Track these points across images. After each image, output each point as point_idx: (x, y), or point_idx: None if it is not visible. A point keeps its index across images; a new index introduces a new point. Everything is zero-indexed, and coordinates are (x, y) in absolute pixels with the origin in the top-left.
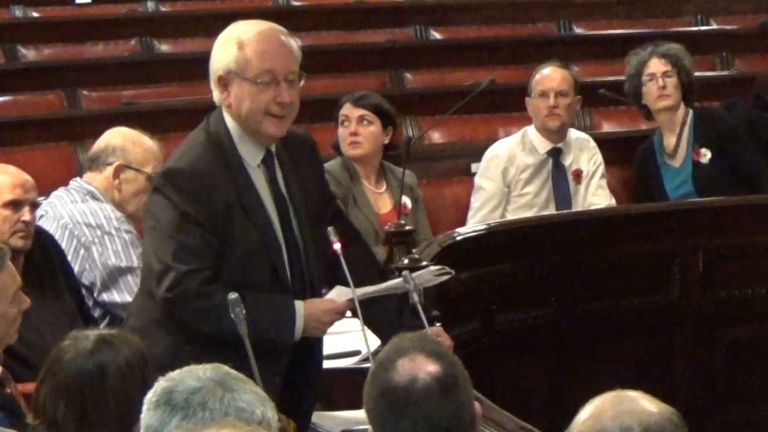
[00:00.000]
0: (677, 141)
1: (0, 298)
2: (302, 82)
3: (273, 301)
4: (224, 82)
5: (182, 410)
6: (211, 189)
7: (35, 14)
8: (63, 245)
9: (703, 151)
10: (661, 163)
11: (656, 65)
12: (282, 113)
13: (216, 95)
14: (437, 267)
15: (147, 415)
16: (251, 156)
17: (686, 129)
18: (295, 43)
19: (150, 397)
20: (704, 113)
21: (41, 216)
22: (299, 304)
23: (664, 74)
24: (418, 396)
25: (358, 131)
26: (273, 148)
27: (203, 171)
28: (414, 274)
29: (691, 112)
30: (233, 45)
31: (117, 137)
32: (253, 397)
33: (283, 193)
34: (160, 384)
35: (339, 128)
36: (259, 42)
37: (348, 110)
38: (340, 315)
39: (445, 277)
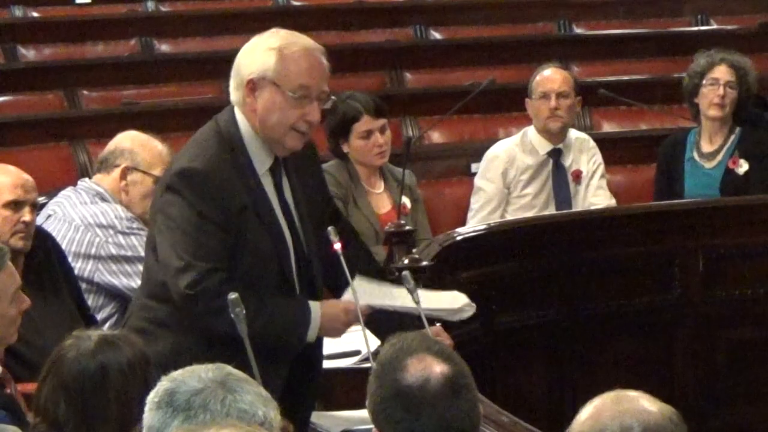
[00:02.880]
0: (718, 147)
1: (0, 299)
2: (329, 104)
3: (290, 301)
4: (254, 86)
5: (184, 412)
6: (227, 191)
7: (35, 14)
8: (74, 247)
9: (741, 161)
10: (688, 159)
11: (723, 72)
12: (308, 130)
13: (236, 96)
14: (463, 302)
15: (149, 415)
16: (260, 161)
17: (731, 139)
18: (327, 62)
19: (152, 397)
20: (753, 131)
21: (49, 216)
22: (315, 305)
23: (728, 83)
24: (433, 396)
25: (385, 141)
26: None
27: (219, 172)
28: (429, 306)
29: (738, 129)
30: (274, 53)
31: (126, 140)
32: (254, 398)
33: (288, 198)
34: (163, 384)
35: (357, 141)
36: (302, 57)
37: (370, 124)
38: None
39: (467, 314)
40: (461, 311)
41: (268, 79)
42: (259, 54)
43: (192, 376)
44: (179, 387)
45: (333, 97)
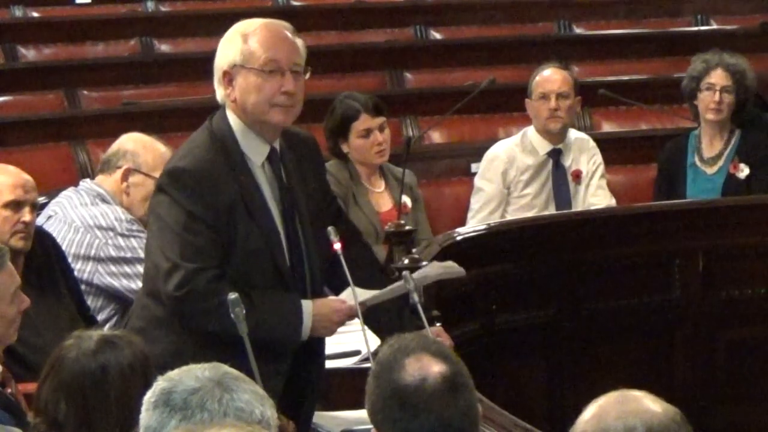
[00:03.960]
0: (719, 152)
1: (0, 299)
2: (308, 75)
3: (281, 299)
4: (229, 77)
5: (181, 411)
6: (216, 188)
7: (35, 14)
8: (73, 248)
9: (742, 166)
10: (690, 164)
11: (719, 77)
12: (288, 103)
13: (220, 93)
14: (447, 264)
15: (146, 415)
16: (255, 154)
17: (732, 142)
18: (298, 39)
19: (149, 397)
20: (753, 133)
21: (50, 216)
22: (307, 303)
23: (724, 88)
24: (430, 396)
25: (384, 139)
26: (277, 146)
27: (207, 170)
28: (420, 272)
29: (738, 131)
30: (237, 39)
31: (129, 142)
32: (251, 397)
33: (286, 192)
34: (159, 384)
35: (356, 140)
36: (263, 33)
37: (369, 122)
38: (351, 316)
39: (455, 275)
40: (451, 269)
41: (238, 64)
42: (225, 46)
43: (188, 376)
44: (176, 387)
45: (310, 68)
